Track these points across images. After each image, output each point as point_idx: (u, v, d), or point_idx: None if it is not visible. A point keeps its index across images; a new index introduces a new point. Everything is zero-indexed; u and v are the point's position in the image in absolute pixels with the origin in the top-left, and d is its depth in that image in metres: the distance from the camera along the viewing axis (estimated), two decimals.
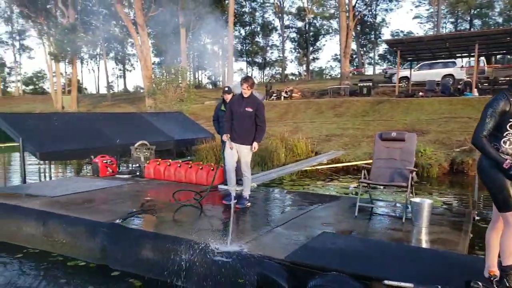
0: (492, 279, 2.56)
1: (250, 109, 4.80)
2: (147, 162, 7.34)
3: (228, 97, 6.19)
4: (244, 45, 57.82)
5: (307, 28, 51.94)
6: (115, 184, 6.63)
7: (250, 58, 59.72)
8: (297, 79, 53.80)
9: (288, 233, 3.92)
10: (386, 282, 2.70)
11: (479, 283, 2.51)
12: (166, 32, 25.56)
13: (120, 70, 58.47)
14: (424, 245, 3.70)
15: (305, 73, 54.35)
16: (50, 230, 4.30)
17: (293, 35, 55.37)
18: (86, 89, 60.69)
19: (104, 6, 29.78)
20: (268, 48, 58.23)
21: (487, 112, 2.58)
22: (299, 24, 53.13)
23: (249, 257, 3.22)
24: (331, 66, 56.45)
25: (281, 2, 47.89)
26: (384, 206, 5.24)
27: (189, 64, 35.98)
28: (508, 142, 2.60)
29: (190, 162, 7.69)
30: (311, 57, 54.99)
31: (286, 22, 52.41)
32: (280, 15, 48.85)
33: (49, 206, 4.75)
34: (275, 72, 61.25)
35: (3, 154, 8.40)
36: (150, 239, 3.74)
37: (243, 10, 50.75)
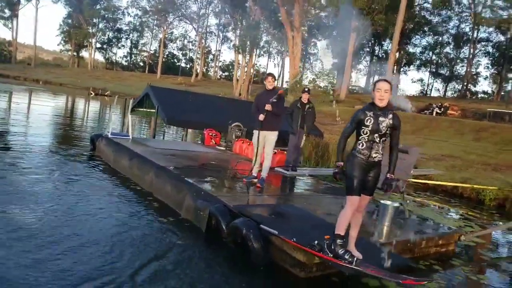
0: (325, 242, 3.27)
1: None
2: (236, 139, 9.14)
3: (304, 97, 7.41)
4: (430, 54, 54.38)
5: (507, 42, 44.98)
6: (207, 150, 8.67)
7: (435, 69, 55.85)
8: (488, 98, 47.66)
9: (261, 198, 5.03)
10: (261, 226, 3.70)
11: (317, 242, 3.29)
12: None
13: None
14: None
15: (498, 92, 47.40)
16: (132, 165, 6.48)
17: (490, 49, 49.01)
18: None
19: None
20: (459, 61, 53.21)
21: (351, 119, 3.29)
22: (500, 37, 46.43)
23: (216, 202, 4.56)
24: None
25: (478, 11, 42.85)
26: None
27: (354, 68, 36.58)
28: (361, 144, 3.25)
29: None
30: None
31: (482, 35, 46.83)
32: (474, 25, 43.89)
33: (142, 151, 7.01)
34: (462, 88, 55.25)
35: (150, 116, 11.53)
36: (175, 180, 5.43)
37: (433, 19, 47.80)
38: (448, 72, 55.10)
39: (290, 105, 7.85)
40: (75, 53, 71.69)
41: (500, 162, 11.41)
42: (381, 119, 3.24)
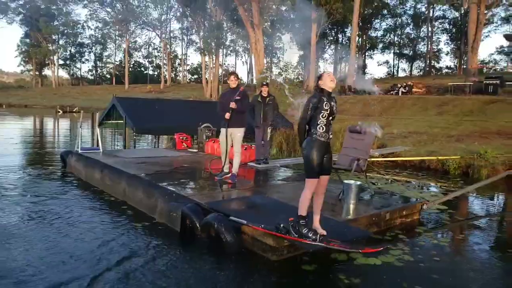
0: (290, 224, 3.50)
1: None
2: (207, 140, 9.28)
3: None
4: (392, 36, 55.80)
5: (461, 18, 46.70)
6: (178, 154, 8.77)
7: (398, 50, 57.36)
8: (452, 72, 49.32)
9: (234, 192, 5.22)
10: (230, 217, 3.88)
11: (282, 225, 3.51)
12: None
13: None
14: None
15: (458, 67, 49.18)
16: (103, 176, 6.53)
17: (447, 25, 50.90)
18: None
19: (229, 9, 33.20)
20: (420, 39, 54.89)
21: (306, 106, 3.49)
22: (455, 14, 48.17)
23: (188, 202, 4.70)
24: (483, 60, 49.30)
25: None
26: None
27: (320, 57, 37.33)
28: (321, 128, 3.49)
29: None
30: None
31: (438, 13, 48.55)
32: (429, 5, 45.40)
33: (113, 162, 7.06)
34: (425, 65, 56.81)
35: (117, 128, 11.51)
36: (146, 186, 5.54)
37: (391, 2, 49.17)
38: (411, 51, 56.77)
39: (250, 100, 8.01)
40: (37, 73, 69.70)
41: (461, 133, 11.99)
42: (332, 103, 3.51)
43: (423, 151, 10.41)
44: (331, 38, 52.35)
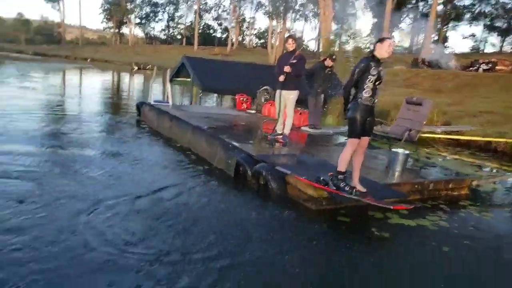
0: (330, 177, 3.83)
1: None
2: (265, 102, 9.69)
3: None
4: (485, 6, 50.35)
5: None
6: (237, 114, 9.33)
7: (489, 22, 51.80)
8: None
9: (283, 150, 5.63)
10: (277, 167, 4.32)
11: (322, 178, 3.86)
12: None
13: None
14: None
15: None
16: (172, 126, 7.26)
17: None
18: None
19: None
20: None
21: (353, 71, 3.71)
22: None
23: (242, 153, 5.22)
24: None
25: None
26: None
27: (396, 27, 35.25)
28: (367, 92, 3.70)
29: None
30: None
31: None
32: None
33: (180, 114, 7.77)
34: None
35: (187, 85, 12.31)
36: (209, 136, 6.14)
37: None
38: (505, 24, 50.84)
39: (313, 67, 8.15)
40: (116, 30, 74.01)
41: None
42: (380, 68, 3.69)
43: (491, 132, 9.90)
44: (410, 6, 48.83)
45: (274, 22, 40.03)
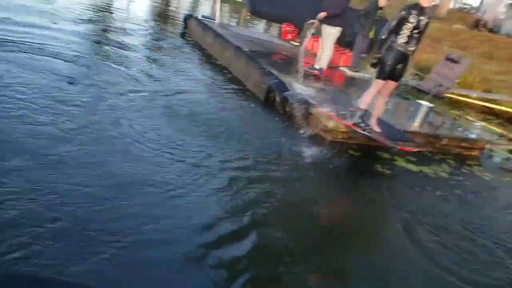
0: (349, 112, 4.25)
1: None
2: (309, 36, 9.74)
3: None
4: None
5: None
6: (280, 43, 9.52)
7: None
8: None
9: (315, 84, 5.99)
10: (303, 96, 4.74)
11: (341, 112, 4.28)
12: None
13: None
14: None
15: None
16: (214, 43, 7.62)
17: None
18: None
19: None
20: None
21: (394, 15, 3.90)
22: None
23: (275, 79, 5.60)
24: None
25: None
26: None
27: None
28: (402, 38, 3.92)
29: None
30: None
31: None
32: None
33: (225, 33, 8.06)
34: None
35: (236, 5, 12.35)
36: (247, 58, 6.50)
37: None
38: None
39: (365, 7, 8.00)
40: None
41: None
42: (421, 17, 3.86)
43: None
44: None
45: None
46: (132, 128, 3.56)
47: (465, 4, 46.53)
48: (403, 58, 4.01)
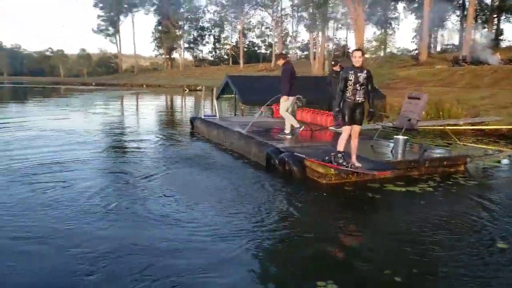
0: (332, 156, 5.16)
1: None
2: (296, 109, 11.10)
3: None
4: None
5: None
6: (274, 120, 10.84)
7: None
8: None
9: (304, 143, 7.01)
10: (295, 153, 5.71)
11: (327, 158, 5.20)
12: None
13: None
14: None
15: None
16: (219, 133, 8.91)
17: None
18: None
19: None
20: None
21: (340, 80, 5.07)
22: None
23: (271, 146, 6.67)
24: None
25: None
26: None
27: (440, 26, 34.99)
28: (348, 93, 5.03)
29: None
30: None
31: None
32: None
33: (225, 124, 9.42)
34: None
35: (228, 101, 14.04)
36: (246, 138, 7.67)
37: None
38: None
39: (327, 75, 9.46)
40: (167, 56, 79.36)
41: None
42: (359, 74, 5.01)
43: None
44: (455, 3, 47.79)
45: (316, 34, 41.46)
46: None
47: (447, 45, 49.39)
48: (356, 107, 5.08)
